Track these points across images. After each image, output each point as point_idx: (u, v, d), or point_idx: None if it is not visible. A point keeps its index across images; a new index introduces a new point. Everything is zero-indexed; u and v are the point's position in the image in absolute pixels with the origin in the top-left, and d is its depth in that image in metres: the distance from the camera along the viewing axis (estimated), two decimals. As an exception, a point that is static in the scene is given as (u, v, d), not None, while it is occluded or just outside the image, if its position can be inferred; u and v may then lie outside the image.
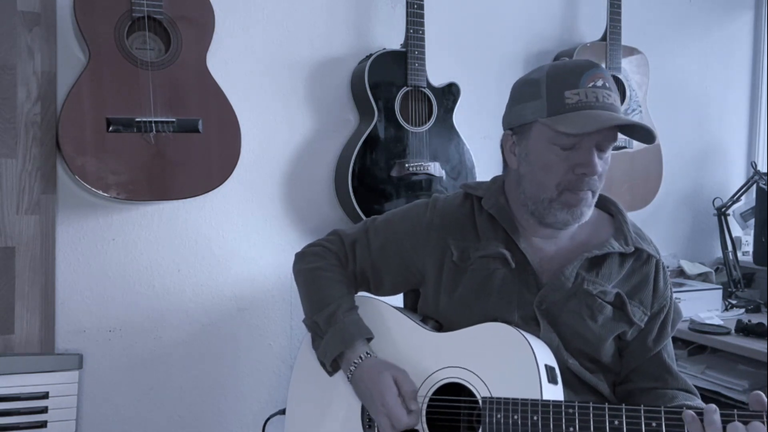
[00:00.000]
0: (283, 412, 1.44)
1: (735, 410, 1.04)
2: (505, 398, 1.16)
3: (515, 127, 1.31)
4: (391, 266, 1.43)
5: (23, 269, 1.78)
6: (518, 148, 1.31)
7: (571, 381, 1.29)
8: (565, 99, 1.22)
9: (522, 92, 1.30)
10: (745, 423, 1.02)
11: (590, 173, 1.23)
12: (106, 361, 1.97)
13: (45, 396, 1.63)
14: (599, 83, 1.23)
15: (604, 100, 1.22)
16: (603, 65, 2.44)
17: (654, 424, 1.07)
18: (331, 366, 1.35)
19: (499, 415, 1.15)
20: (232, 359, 2.14)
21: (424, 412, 1.26)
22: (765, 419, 1.01)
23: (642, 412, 1.08)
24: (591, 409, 1.11)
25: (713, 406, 1.05)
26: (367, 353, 1.31)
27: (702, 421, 1.04)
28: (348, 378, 1.32)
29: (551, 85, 1.24)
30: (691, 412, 1.05)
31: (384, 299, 1.44)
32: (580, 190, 1.24)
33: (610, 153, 1.27)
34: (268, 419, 1.61)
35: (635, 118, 2.52)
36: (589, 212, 1.28)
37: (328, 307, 1.37)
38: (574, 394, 1.29)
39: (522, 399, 1.14)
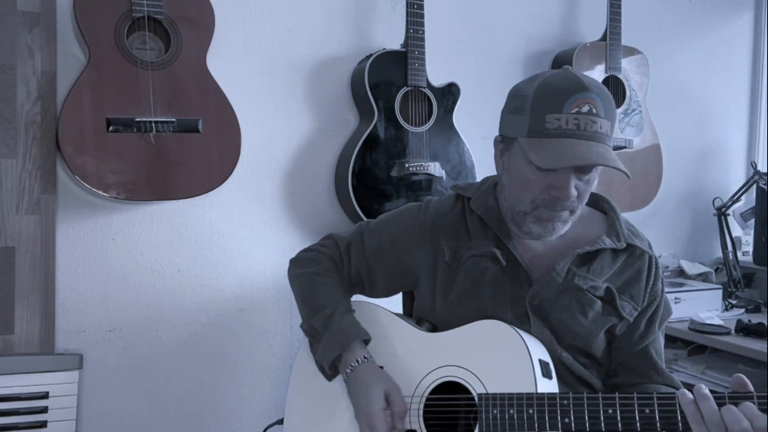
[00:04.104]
0: (281, 421, 1.44)
1: (725, 392, 1.06)
2: (500, 393, 1.16)
3: (504, 135, 1.32)
4: (385, 268, 1.44)
5: (23, 269, 1.78)
6: (504, 157, 1.32)
7: (564, 375, 1.30)
8: (546, 123, 1.20)
9: (512, 104, 1.29)
10: (736, 404, 1.04)
11: (564, 197, 1.23)
12: (106, 361, 1.97)
13: (45, 396, 1.63)
14: (584, 109, 1.19)
15: (587, 128, 1.19)
16: (602, 65, 2.46)
17: (647, 411, 1.08)
18: (330, 369, 1.34)
19: (495, 411, 1.16)
20: (232, 359, 2.14)
21: (421, 412, 1.27)
22: (755, 399, 1.04)
23: (635, 399, 1.09)
24: (585, 399, 1.12)
25: (701, 385, 1.08)
26: (365, 357, 1.31)
27: (695, 399, 1.06)
28: (344, 379, 1.32)
29: (536, 104, 1.22)
30: (685, 390, 1.08)
31: (380, 303, 1.44)
32: (554, 210, 1.25)
33: (594, 174, 1.26)
34: (267, 429, 1.59)
35: (635, 118, 2.53)
36: (564, 227, 1.28)
37: (325, 311, 1.37)
38: (568, 388, 1.30)
39: (517, 393, 1.15)
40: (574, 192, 1.23)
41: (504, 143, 1.31)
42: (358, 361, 1.30)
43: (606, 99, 1.23)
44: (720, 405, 1.04)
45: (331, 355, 1.33)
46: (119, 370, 1.99)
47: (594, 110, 1.20)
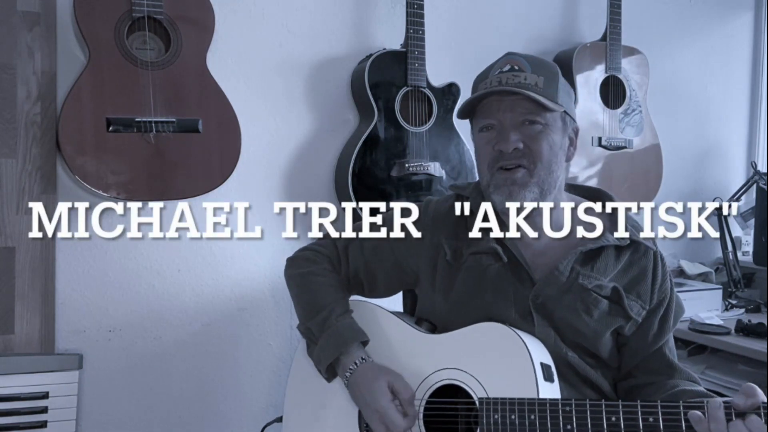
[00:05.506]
0: (280, 419, 1.44)
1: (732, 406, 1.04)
2: (502, 398, 1.16)
3: None
4: (384, 267, 1.43)
5: (23, 269, 1.79)
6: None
7: (570, 376, 1.29)
8: (477, 91, 1.29)
9: None
10: (743, 418, 1.03)
11: (504, 148, 1.25)
12: (106, 361, 1.97)
13: (45, 396, 1.63)
14: (506, 68, 1.28)
15: (508, 82, 1.26)
16: (602, 65, 2.46)
17: (651, 419, 1.07)
18: (327, 372, 1.34)
19: (496, 416, 1.15)
20: (232, 359, 2.14)
21: (421, 415, 1.26)
22: (762, 413, 1.02)
23: (639, 407, 1.08)
24: (588, 406, 1.11)
25: (718, 400, 1.06)
26: (363, 358, 1.30)
27: (707, 417, 1.05)
28: (345, 384, 1.31)
29: (474, 85, 1.35)
30: (697, 413, 1.06)
31: (379, 303, 1.43)
32: (503, 167, 1.27)
33: (543, 130, 1.27)
34: (265, 427, 1.60)
35: (635, 118, 2.53)
36: (526, 192, 1.27)
37: (321, 312, 1.36)
38: (574, 390, 1.28)
39: (519, 399, 1.14)
40: (513, 139, 1.25)
41: None
42: (356, 363, 1.29)
43: (536, 61, 1.31)
44: (728, 420, 1.03)
45: (328, 359, 1.32)
46: (119, 370, 1.99)
47: (516, 67, 1.28)
